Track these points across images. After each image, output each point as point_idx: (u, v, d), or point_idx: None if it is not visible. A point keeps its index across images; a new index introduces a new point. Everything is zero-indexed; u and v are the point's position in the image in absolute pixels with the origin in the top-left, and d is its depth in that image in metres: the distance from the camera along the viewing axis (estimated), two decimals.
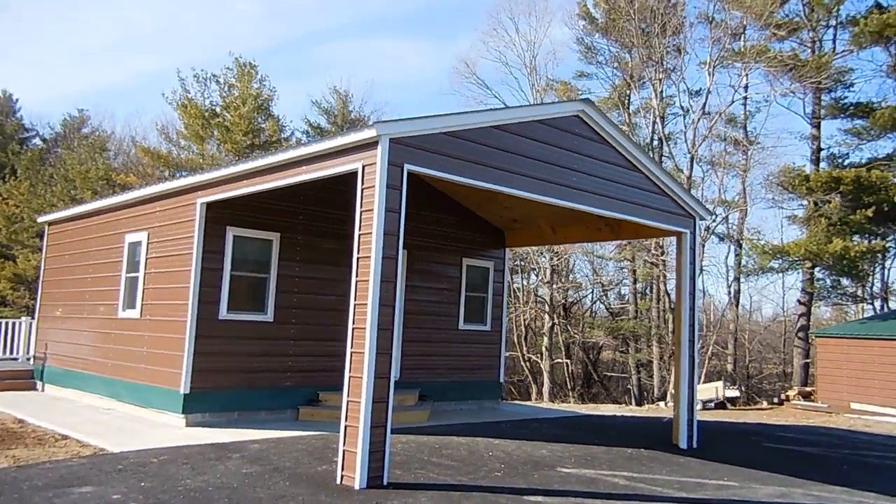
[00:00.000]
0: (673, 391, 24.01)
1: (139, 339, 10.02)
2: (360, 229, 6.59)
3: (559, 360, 31.93)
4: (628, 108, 33.88)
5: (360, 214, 6.58)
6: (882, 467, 9.81)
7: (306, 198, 10.13)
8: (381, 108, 39.75)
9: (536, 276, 32.56)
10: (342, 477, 6.39)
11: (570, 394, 32.10)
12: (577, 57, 34.78)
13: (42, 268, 13.98)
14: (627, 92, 33.39)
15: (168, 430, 8.67)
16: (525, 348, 32.12)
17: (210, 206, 9.07)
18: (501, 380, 12.89)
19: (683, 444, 9.86)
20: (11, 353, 14.81)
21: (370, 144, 6.54)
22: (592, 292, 37.26)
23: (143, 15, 64.21)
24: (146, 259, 10.10)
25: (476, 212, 12.40)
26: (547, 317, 31.39)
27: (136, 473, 6.38)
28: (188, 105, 30.71)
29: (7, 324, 14.90)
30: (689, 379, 10.01)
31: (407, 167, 6.65)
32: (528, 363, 32.13)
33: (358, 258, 6.57)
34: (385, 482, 6.45)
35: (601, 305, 37.94)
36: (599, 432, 10.79)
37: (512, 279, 32.73)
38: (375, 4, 66.82)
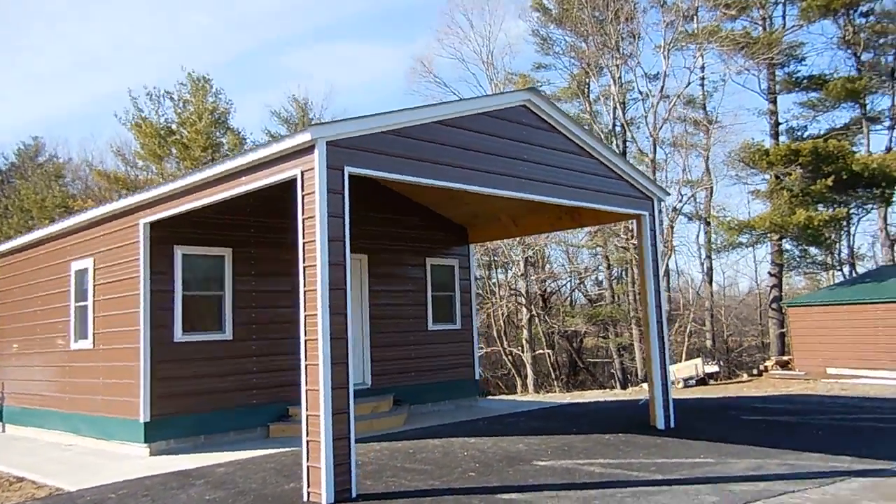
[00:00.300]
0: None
1: (94, 369, 9.66)
2: (303, 237, 6.39)
3: (541, 352, 31.91)
4: (588, 96, 34.01)
5: (303, 222, 6.38)
6: (857, 430, 9.83)
7: (254, 210, 9.85)
8: (341, 114, 39.37)
9: (510, 269, 32.51)
10: (309, 494, 6.17)
11: (555, 384, 32.11)
12: (534, 49, 34.82)
13: None
14: (587, 80, 33.53)
15: (131, 461, 8.35)
16: (506, 342, 32.06)
17: (154, 226, 8.76)
18: (477, 377, 12.74)
19: (661, 425, 9.79)
20: None
21: (307, 149, 6.33)
22: (570, 281, 37.33)
23: (96, 37, 63.05)
24: (94, 286, 9.74)
25: (435, 210, 12.23)
26: (525, 309, 31.34)
27: None
28: (143, 124, 30.08)
29: None
30: (660, 359, 9.94)
31: (347, 170, 6.45)
32: (510, 357, 32.08)
33: (304, 267, 6.37)
34: (354, 494, 6.24)
35: (579, 293, 38.07)
36: (577, 421, 10.68)
37: (487, 275, 32.66)
38: (328, 11, 66.41)
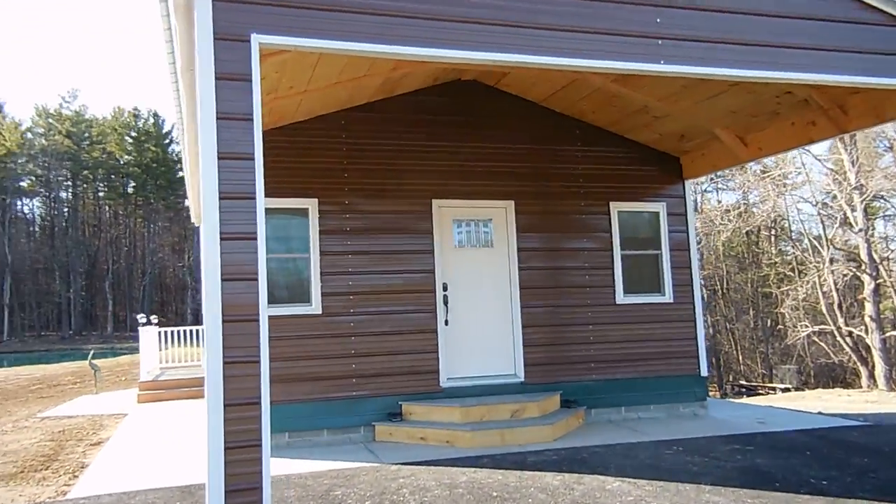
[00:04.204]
0: None
1: None
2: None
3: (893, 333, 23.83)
4: None
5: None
6: None
7: (349, 149, 7.77)
8: None
9: (834, 226, 24.88)
10: None
11: None
12: None
13: None
14: None
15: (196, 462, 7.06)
16: (842, 319, 24.66)
17: None
18: (704, 373, 8.75)
19: None
20: None
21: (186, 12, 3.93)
22: None
23: None
24: None
25: (621, 133, 8.56)
26: (867, 277, 23.58)
27: None
28: None
29: None
30: None
31: (257, 38, 3.85)
32: (849, 340, 24.65)
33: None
34: None
35: None
36: (839, 463, 6.21)
37: (806, 230, 25.54)
38: None
